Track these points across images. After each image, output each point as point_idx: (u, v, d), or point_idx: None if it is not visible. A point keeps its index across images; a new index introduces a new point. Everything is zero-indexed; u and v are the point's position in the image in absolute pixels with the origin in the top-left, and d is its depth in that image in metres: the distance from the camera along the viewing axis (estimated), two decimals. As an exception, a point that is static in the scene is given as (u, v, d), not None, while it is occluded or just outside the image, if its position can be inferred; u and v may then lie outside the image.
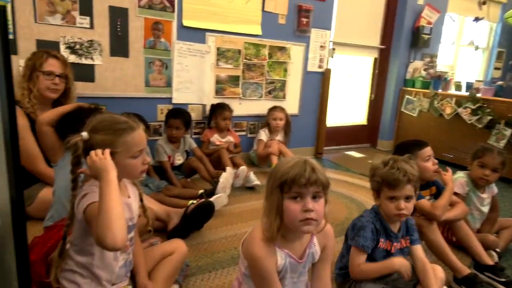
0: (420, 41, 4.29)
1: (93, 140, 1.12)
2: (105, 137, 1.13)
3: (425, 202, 1.74)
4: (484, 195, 2.05)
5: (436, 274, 1.47)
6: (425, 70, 4.46)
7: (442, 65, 4.80)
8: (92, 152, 1.08)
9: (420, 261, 1.47)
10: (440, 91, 4.13)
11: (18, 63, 2.34)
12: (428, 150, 1.84)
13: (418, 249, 1.49)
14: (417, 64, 4.44)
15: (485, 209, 2.07)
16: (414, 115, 4.26)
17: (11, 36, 2.36)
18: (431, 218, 1.72)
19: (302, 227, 1.04)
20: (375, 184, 1.46)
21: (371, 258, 1.45)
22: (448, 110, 3.86)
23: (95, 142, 1.12)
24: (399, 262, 1.40)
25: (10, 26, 2.36)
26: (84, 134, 1.13)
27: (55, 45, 2.51)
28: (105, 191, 1.02)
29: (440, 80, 4.25)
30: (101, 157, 1.07)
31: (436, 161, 1.85)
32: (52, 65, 2.11)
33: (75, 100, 2.28)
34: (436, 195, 1.88)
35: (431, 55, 4.55)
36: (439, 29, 4.55)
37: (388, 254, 1.47)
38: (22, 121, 2.01)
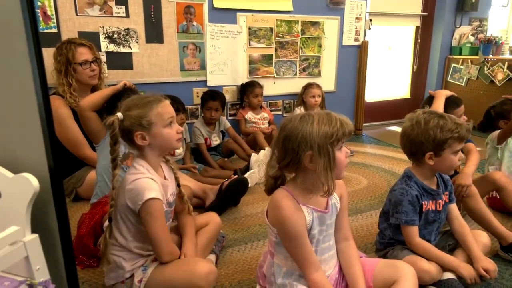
0: (467, 4, 3.98)
1: (128, 119, 1.20)
2: (138, 111, 1.21)
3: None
4: None
5: (479, 239, 1.42)
6: (473, 35, 4.14)
7: (494, 30, 4.43)
8: None
9: (457, 219, 1.44)
10: (490, 56, 3.83)
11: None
12: (463, 108, 1.82)
13: (454, 208, 1.46)
14: (464, 29, 4.13)
15: None
16: (462, 84, 3.99)
17: (55, 30, 2.53)
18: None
19: (344, 172, 1.11)
20: (439, 142, 1.32)
21: (421, 224, 1.41)
22: (500, 76, 3.58)
23: (131, 119, 1.20)
24: (465, 269, 1.32)
25: (54, 20, 2.53)
26: (119, 114, 1.21)
27: (95, 35, 2.65)
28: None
29: (490, 44, 3.93)
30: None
31: (466, 118, 1.80)
32: (83, 53, 2.18)
33: (105, 80, 2.40)
34: None
35: (480, 19, 4.21)
36: (489, -11, 4.19)
37: (436, 213, 1.42)
38: (65, 111, 2.14)
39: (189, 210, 1.44)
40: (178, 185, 1.39)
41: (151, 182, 1.19)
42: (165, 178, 1.32)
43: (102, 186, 1.69)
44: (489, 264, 1.33)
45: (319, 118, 1.06)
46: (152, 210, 1.17)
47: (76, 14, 2.59)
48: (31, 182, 0.80)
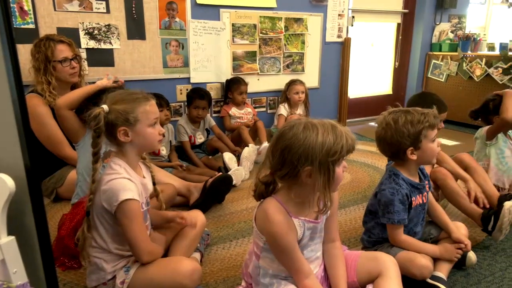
0: (446, 1, 4.06)
1: (114, 113, 1.17)
2: (125, 106, 1.18)
3: None
4: None
5: (459, 231, 1.47)
6: (452, 32, 4.23)
7: (472, 27, 4.53)
8: None
9: (432, 204, 1.53)
10: (469, 52, 3.92)
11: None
12: (445, 115, 1.83)
13: (430, 194, 1.54)
14: (444, 26, 4.22)
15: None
16: (442, 80, 4.07)
17: (32, 26, 2.46)
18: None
19: (338, 186, 1.07)
20: (414, 135, 1.34)
21: (409, 218, 1.44)
22: (478, 72, 3.66)
23: (117, 112, 1.17)
24: (445, 251, 1.40)
25: (31, 16, 2.45)
26: (105, 106, 1.17)
27: (74, 32, 2.58)
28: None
29: (468, 41, 4.01)
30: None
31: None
32: (63, 50, 2.12)
33: (86, 77, 2.36)
34: None
35: (459, 16, 4.30)
36: (467, -13, 4.28)
37: (423, 205, 1.46)
38: (44, 109, 2.08)
39: (162, 208, 1.43)
40: (154, 184, 1.38)
41: (127, 183, 1.17)
42: (143, 177, 1.31)
43: (83, 186, 1.66)
44: (461, 235, 1.43)
45: (323, 130, 0.99)
46: (128, 211, 1.15)
47: (55, 10, 2.52)
48: (6, 182, 0.77)
